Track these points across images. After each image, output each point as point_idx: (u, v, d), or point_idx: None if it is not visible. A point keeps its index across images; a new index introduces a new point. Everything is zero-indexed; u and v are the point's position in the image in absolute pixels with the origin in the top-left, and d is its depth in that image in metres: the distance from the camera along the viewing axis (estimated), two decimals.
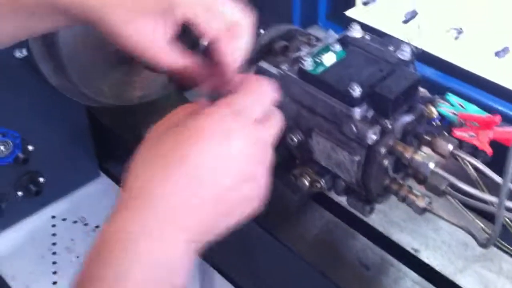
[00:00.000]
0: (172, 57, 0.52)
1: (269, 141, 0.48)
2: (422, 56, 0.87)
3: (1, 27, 0.53)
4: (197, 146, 0.44)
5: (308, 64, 0.64)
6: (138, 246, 0.41)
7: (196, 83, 0.55)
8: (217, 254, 0.91)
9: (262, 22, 0.87)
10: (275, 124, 0.49)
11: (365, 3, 1.07)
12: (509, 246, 0.65)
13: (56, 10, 0.51)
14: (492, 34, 0.96)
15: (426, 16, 1.03)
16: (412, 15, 1.04)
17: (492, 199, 0.58)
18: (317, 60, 0.65)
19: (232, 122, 0.45)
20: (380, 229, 0.73)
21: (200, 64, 0.54)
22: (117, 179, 0.99)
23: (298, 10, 1.07)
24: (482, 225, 0.64)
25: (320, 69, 0.64)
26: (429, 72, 0.96)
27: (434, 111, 0.65)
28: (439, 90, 0.93)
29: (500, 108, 0.91)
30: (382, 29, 1.03)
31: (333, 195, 0.75)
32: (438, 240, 0.71)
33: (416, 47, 0.66)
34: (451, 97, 0.64)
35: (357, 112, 0.61)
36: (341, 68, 0.64)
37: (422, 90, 0.66)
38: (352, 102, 0.60)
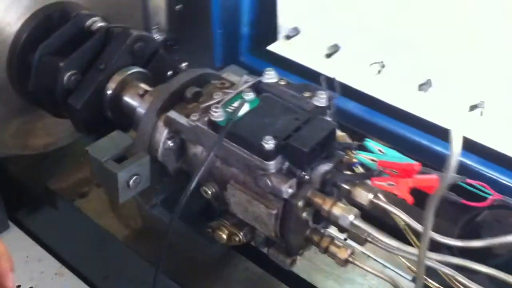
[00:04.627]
0: None
1: None
2: (345, 91, 0.86)
3: None
4: None
5: (218, 115, 0.61)
6: None
7: None
8: None
9: (184, 57, 0.84)
10: None
11: (287, 37, 1.05)
12: (435, 283, 0.63)
13: None
14: (415, 67, 0.95)
15: (348, 50, 1.02)
16: (335, 49, 1.02)
17: (410, 250, 0.55)
18: (229, 110, 0.61)
19: None
20: (305, 276, 0.69)
21: None
22: (28, 230, 0.93)
23: (220, 46, 1.04)
24: (408, 264, 0.61)
25: (233, 120, 0.60)
26: (352, 106, 0.95)
27: (353, 157, 0.62)
28: (362, 125, 0.93)
29: (423, 142, 0.90)
30: (304, 63, 1.01)
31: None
32: (366, 285, 0.68)
33: (333, 93, 0.64)
34: (370, 142, 0.61)
35: (272, 165, 0.57)
36: (254, 118, 0.61)
37: (341, 134, 0.63)
38: (266, 156, 0.57)
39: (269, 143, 0.56)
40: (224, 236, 0.65)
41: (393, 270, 0.73)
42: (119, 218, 0.79)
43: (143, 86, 0.74)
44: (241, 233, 0.65)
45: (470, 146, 0.83)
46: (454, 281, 0.56)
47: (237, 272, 0.72)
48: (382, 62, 0.98)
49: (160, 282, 0.65)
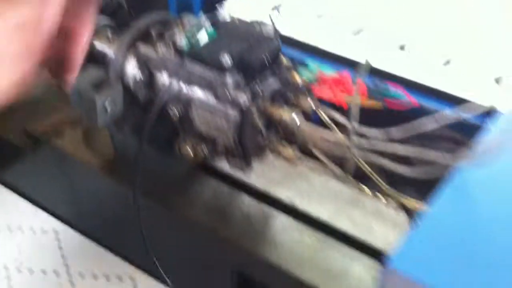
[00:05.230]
0: None
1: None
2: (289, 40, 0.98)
3: None
4: None
5: (183, 43, 0.71)
6: None
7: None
8: (104, 232, 0.96)
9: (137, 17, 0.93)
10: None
11: None
12: (365, 187, 0.76)
13: None
14: (351, 16, 1.08)
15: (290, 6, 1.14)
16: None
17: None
18: (191, 39, 0.72)
19: None
20: (261, 187, 0.81)
21: None
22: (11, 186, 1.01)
23: (174, 4, 1.14)
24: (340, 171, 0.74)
25: (195, 47, 0.72)
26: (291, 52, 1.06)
27: (297, 76, 0.74)
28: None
29: None
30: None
31: (218, 165, 0.82)
32: (312, 191, 0.80)
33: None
34: (310, 62, 0.74)
35: (229, 79, 0.69)
36: (213, 45, 0.72)
37: (284, 58, 0.75)
38: (224, 70, 0.68)
39: (226, 59, 0.67)
40: (191, 151, 0.76)
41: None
42: (93, 152, 0.88)
43: (112, 34, 0.84)
44: (204, 146, 0.75)
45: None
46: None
47: (202, 188, 0.82)
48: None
49: (137, 201, 0.76)
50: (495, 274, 0.50)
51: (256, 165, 0.76)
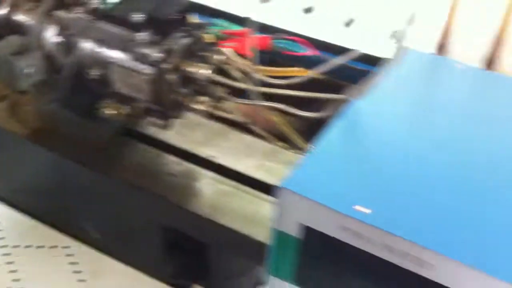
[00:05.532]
0: None
1: None
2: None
3: None
4: None
5: (96, 3, 0.75)
6: None
7: None
8: (36, 203, 0.98)
9: None
10: None
11: None
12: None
13: None
14: None
15: None
16: None
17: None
18: (104, 2, 0.76)
19: None
20: (182, 146, 0.85)
21: None
22: None
23: None
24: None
25: (107, 9, 0.75)
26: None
27: (206, 34, 0.79)
28: None
29: None
30: None
31: (143, 128, 0.86)
32: (231, 147, 0.85)
33: None
34: (217, 21, 0.79)
35: (142, 36, 0.73)
36: (125, 6, 0.76)
37: (195, 19, 0.79)
38: (137, 28, 0.72)
39: (138, 18, 0.71)
40: (112, 112, 0.80)
41: None
42: (21, 123, 0.90)
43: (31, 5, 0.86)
44: (126, 107, 0.79)
45: None
46: None
47: (129, 150, 0.86)
48: None
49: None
50: (371, 187, 0.56)
51: (179, 127, 0.80)
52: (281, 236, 0.58)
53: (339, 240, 0.55)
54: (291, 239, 0.58)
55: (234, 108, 0.84)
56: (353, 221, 0.53)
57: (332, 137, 0.62)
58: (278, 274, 0.61)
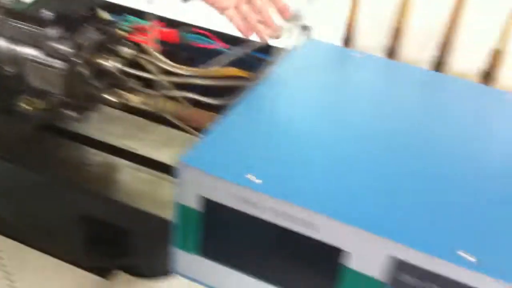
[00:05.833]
0: None
1: None
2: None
3: None
4: None
5: (10, 4, 0.78)
6: None
7: None
8: None
9: None
10: None
11: None
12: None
13: None
14: None
15: None
16: None
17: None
18: (17, 2, 0.79)
19: None
20: (101, 138, 0.88)
21: None
22: None
23: None
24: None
25: (19, 8, 0.79)
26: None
27: (118, 29, 0.83)
28: None
29: None
30: None
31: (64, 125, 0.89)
32: (148, 139, 0.89)
33: None
34: (129, 18, 0.83)
35: (53, 32, 0.76)
36: (36, 5, 0.79)
37: (105, 15, 0.84)
38: (47, 25, 0.76)
39: (48, 15, 0.75)
40: (29, 107, 0.82)
41: None
42: None
43: None
44: (42, 101, 0.82)
45: None
46: None
47: (51, 146, 0.89)
48: None
49: None
50: (264, 160, 0.61)
51: (99, 120, 0.84)
52: (183, 210, 0.62)
53: (235, 209, 0.59)
54: (193, 212, 0.62)
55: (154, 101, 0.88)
56: (245, 190, 0.58)
57: (230, 118, 0.66)
58: (184, 247, 0.65)
